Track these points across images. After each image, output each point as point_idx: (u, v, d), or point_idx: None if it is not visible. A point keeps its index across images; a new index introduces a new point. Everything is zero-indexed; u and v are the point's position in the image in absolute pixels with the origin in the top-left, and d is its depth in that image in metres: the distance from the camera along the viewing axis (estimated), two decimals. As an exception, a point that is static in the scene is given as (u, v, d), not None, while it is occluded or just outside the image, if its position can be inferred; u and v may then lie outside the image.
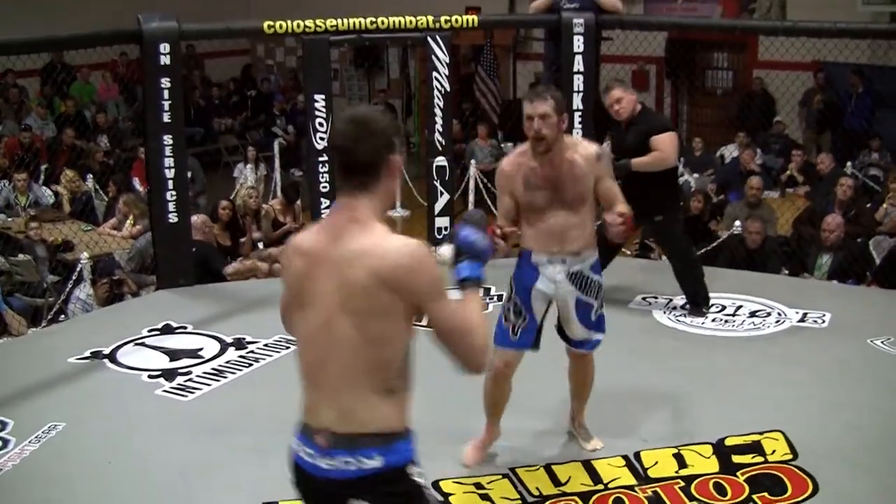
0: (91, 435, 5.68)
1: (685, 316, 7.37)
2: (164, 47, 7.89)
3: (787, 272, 8.87)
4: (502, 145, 13.19)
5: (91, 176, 12.17)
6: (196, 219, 8.99)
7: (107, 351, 6.92)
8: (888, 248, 8.96)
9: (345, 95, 18.01)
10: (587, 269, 4.99)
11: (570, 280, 4.97)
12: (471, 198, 12.33)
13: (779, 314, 7.36)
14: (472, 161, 12.78)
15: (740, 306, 7.48)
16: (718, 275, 8.00)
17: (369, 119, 2.94)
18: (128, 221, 10.37)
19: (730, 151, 13.21)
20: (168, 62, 7.92)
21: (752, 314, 7.36)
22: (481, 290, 3.15)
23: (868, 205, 10.22)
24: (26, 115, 14.85)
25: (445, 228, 8.72)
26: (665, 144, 7.13)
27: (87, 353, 6.88)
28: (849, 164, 12.18)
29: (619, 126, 7.32)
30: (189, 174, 11.65)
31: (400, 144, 3.02)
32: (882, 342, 6.77)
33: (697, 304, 7.42)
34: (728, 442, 5.33)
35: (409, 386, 3.00)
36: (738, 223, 9.11)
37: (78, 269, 8.51)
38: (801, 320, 7.27)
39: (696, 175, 12.51)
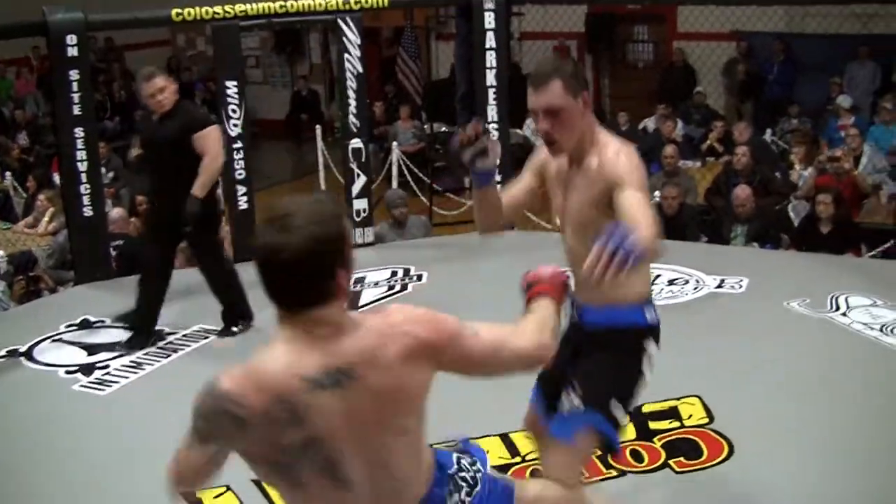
0: (5, 433, 5.61)
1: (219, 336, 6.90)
2: (72, 38, 7.82)
3: (706, 240, 8.94)
4: (425, 126, 13.16)
5: (9, 174, 12.00)
6: (115, 212, 8.95)
7: (23, 349, 6.83)
8: (804, 212, 9.06)
9: (268, 83, 17.94)
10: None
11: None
12: (394, 180, 12.29)
13: (697, 281, 7.41)
14: (395, 143, 12.75)
15: (658, 275, 7.50)
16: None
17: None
18: (44, 219, 10.24)
19: (651, 124, 13.27)
20: (76, 54, 7.86)
21: (671, 282, 7.40)
22: None
23: (776, 172, 10.31)
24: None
25: (364, 211, 8.72)
26: (213, 142, 6.49)
27: (3, 352, 6.78)
28: (768, 131, 12.32)
29: (150, 119, 6.64)
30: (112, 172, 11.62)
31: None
32: (798, 304, 6.85)
33: (234, 323, 6.88)
34: (645, 409, 5.33)
35: None
36: (656, 193, 9.16)
37: (-6, 267, 8.42)
38: (719, 286, 7.33)
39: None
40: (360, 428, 2.32)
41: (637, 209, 3.16)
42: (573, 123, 3.36)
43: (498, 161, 3.43)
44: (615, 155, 3.35)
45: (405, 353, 2.31)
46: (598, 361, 3.50)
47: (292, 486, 2.39)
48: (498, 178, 3.76)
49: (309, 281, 2.26)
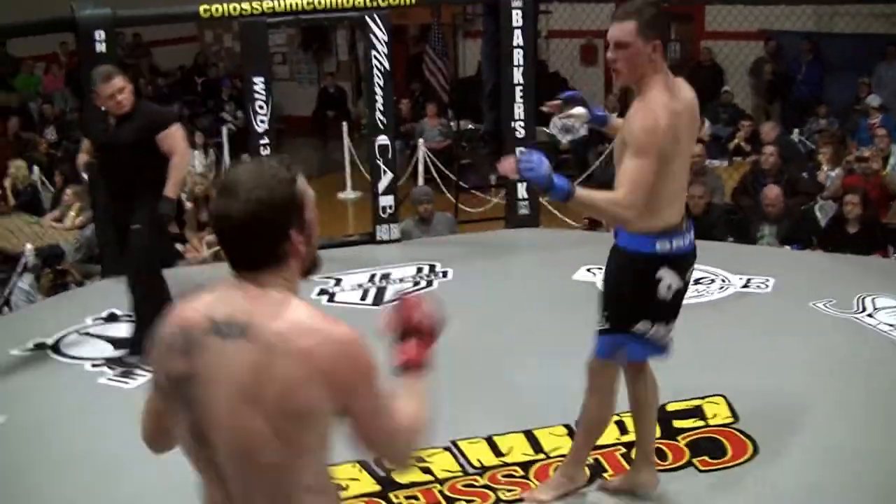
0: (32, 426, 5.63)
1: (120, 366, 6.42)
2: (100, 34, 7.84)
3: (732, 240, 8.91)
4: (451, 123, 13.18)
5: (37, 168, 12.07)
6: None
7: (50, 342, 6.86)
8: (831, 212, 9.02)
9: (294, 79, 17.99)
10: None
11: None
12: (420, 177, 12.32)
13: (723, 280, 7.39)
14: (421, 140, 12.78)
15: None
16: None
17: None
18: (71, 213, 10.29)
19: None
20: (104, 49, 7.88)
21: (696, 281, 7.34)
22: None
23: (804, 172, 10.27)
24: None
25: (390, 207, 8.73)
26: (179, 140, 6.27)
27: (31, 345, 6.82)
28: (795, 131, 12.28)
29: (105, 121, 6.42)
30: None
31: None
32: (824, 305, 6.82)
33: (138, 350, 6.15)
34: (669, 407, 5.33)
35: None
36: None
37: (23, 260, 8.45)
38: (745, 286, 7.31)
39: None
40: (234, 394, 2.26)
41: (623, 175, 3.70)
42: (636, 62, 3.77)
43: (584, 121, 4.50)
44: (635, 112, 3.77)
45: (311, 356, 2.23)
46: (615, 285, 4.17)
47: (171, 419, 2.47)
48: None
49: (259, 243, 2.30)
